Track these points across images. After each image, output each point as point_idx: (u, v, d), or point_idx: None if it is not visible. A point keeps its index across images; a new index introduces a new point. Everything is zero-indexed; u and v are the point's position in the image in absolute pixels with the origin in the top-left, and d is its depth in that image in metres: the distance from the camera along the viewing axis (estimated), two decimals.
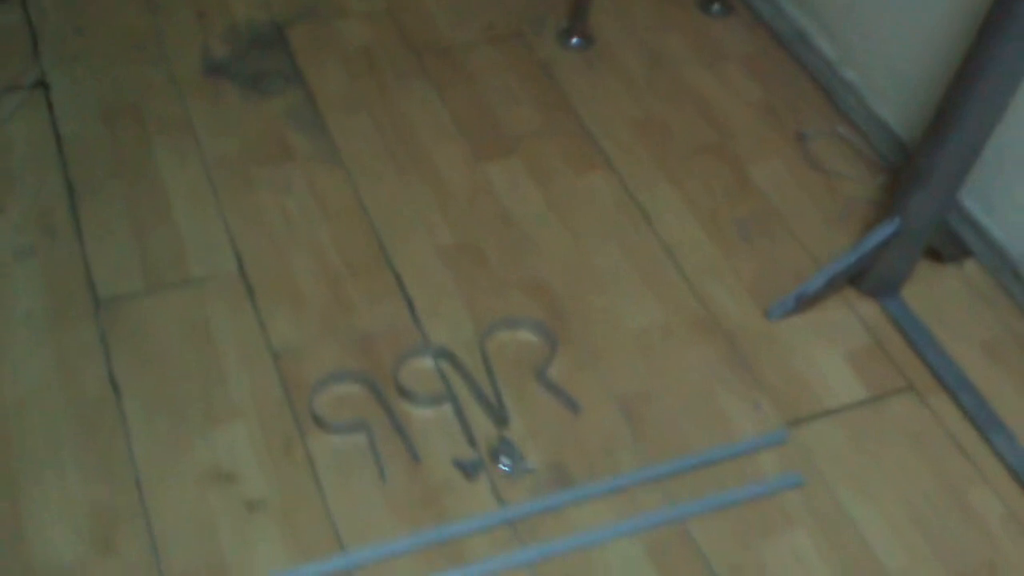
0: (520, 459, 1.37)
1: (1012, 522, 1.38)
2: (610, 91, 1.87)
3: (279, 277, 1.53)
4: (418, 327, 1.50)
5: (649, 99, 1.86)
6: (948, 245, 1.68)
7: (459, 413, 1.40)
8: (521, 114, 1.81)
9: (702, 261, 1.63)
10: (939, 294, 1.63)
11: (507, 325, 1.51)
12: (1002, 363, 1.55)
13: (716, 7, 2.03)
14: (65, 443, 1.33)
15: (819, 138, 1.83)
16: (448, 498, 1.33)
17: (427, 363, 1.46)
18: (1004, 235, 1.65)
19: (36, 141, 1.67)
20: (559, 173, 1.73)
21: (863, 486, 1.40)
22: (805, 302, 1.57)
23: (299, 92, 1.79)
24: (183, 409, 1.38)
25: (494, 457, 1.37)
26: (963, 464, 1.43)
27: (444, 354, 1.46)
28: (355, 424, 1.37)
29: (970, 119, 1.39)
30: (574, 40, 1.93)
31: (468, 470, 1.35)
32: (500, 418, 1.40)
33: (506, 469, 1.36)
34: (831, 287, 1.58)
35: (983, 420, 1.49)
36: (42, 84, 1.75)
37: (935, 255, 1.66)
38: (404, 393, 1.41)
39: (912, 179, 1.50)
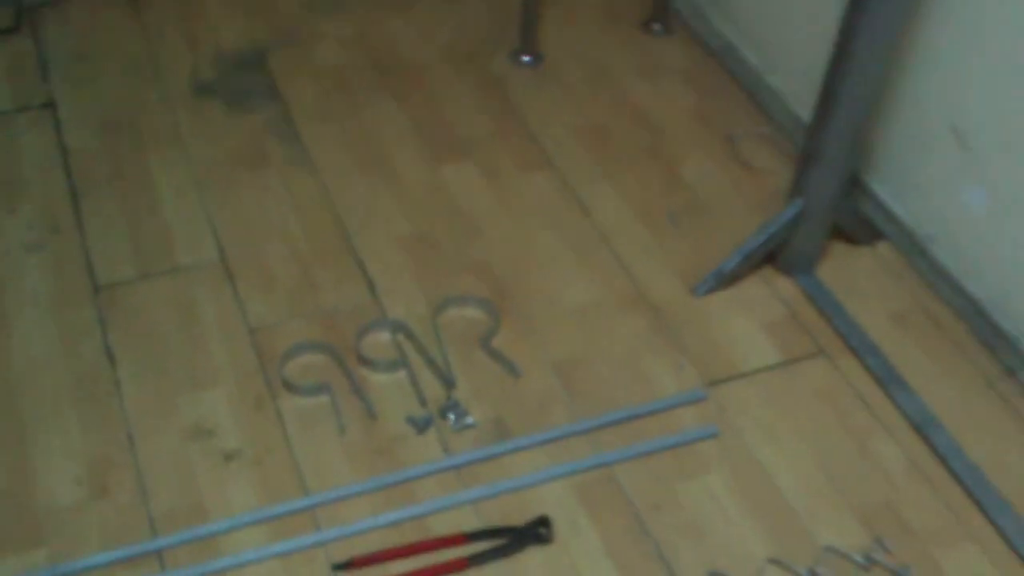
0: (465, 415, 1.54)
1: (910, 466, 1.53)
2: (556, 102, 2.07)
3: (256, 264, 1.73)
4: (377, 305, 1.68)
5: (591, 109, 2.06)
6: (863, 230, 1.85)
7: (412, 378, 1.58)
8: (474, 123, 2.01)
9: (635, 246, 1.81)
10: (852, 272, 1.80)
11: (456, 302, 1.69)
12: (908, 331, 1.72)
13: (657, 27, 2.23)
14: (67, 404, 1.52)
15: (746, 138, 2.02)
16: (401, 449, 1.51)
17: (385, 335, 1.64)
18: (909, 217, 1.81)
19: (44, 152, 1.89)
20: (507, 173, 1.92)
21: (774, 437, 1.56)
22: (724, 279, 1.75)
23: (277, 107, 2.01)
24: (169, 376, 1.57)
25: (442, 414, 1.54)
26: (867, 417, 1.59)
27: (400, 327, 1.65)
28: (319, 387, 1.56)
29: (846, 102, 1.57)
30: (525, 58, 2.14)
31: (419, 425, 1.53)
32: (448, 381, 1.58)
33: (452, 424, 1.54)
34: (747, 265, 1.75)
35: (887, 379, 1.64)
36: (50, 104, 1.98)
37: (852, 240, 1.84)
38: (364, 361, 1.60)
39: (806, 162, 1.67)
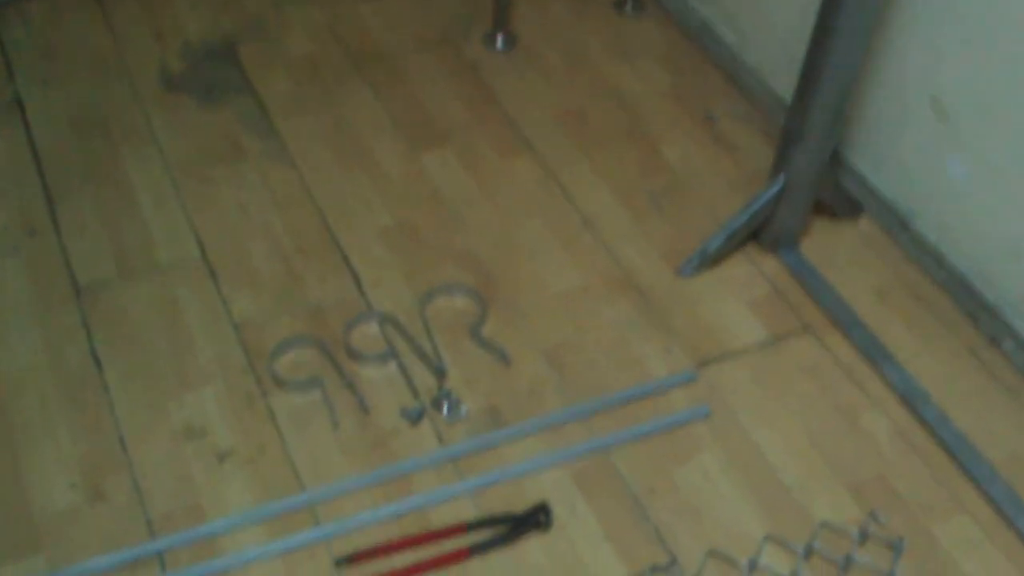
0: (458, 405, 1.58)
1: (900, 439, 1.58)
2: (532, 86, 2.10)
3: (238, 260, 1.75)
4: (364, 297, 1.71)
5: (568, 92, 2.10)
6: (844, 205, 1.90)
7: (403, 369, 1.62)
8: (451, 110, 2.04)
9: (618, 229, 1.85)
10: (835, 248, 1.86)
11: (443, 292, 1.72)
12: (891, 304, 1.77)
13: (629, 7, 2.27)
14: (56, 411, 1.54)
15: (725, 118, 2.06)
16: (395, 442, 1.54)
17: (373, 328, 1.67)
18: (890, 191, 1.86)
19: (15, 153, 1.90)
20: (486, 159, 1.96)
21: (764, 415, 1.61)
22: (708, 259, 1.79)
23: (250, 100, 2.02)
24: (158, 377, 1.59)
25: (435, 405, 1.58)
26: (855, 392, 1.64)
27: (388, 319, 1.68)
28: (310, 382, 1.58)
29: (827, 79, 1.60)
30: (499, 42, 2.17)
31: (412, 417, 1.56)
32: (439, 372, 1.62)
33: (446, 414, 1.57)
34: (731, 244, 1.80)
35: (874, 353, 1.70)
36: (17, 103, 1.98)
37: (833, 215, 1.89)
38: (353, 354, 1.62)
39: (788, 139, 1.71)
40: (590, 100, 2.08)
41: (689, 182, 1.94)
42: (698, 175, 1.95)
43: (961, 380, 1.67)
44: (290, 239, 1.79)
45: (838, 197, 1.89)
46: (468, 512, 1.47)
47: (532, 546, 1.44)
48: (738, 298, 1.76)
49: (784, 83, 2.03)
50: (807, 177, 1.75)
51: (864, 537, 1.48)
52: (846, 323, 1.73)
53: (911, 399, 1.64)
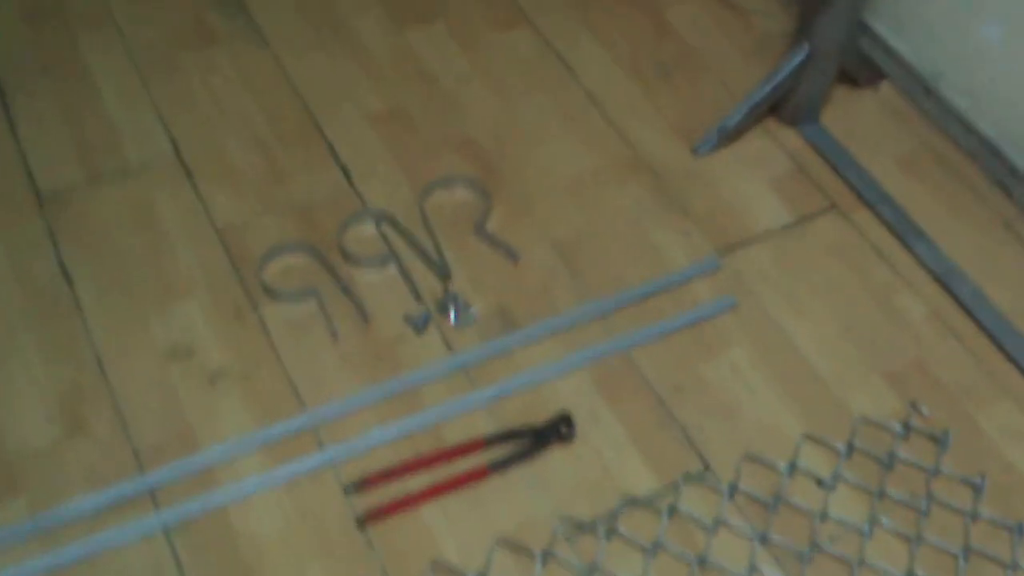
0: (466, 309, 1.37)
1: (936, 321, 1.40)
2: None
3: (215, 157, 1.50)
4: (356, 194, 1.48)
5: None
6: (863, 70, 1.67)
7: (403, 272, 1.40)
8: None
9: (626, 105, 1.61)
10: (856, 117, 1.63)
11: (442, 184, 1.49)
12: (918, 176, 1.56)
13: None
14: (24, 332, 1.31)
15: None
16: (401, 351, 1.33)
17: (368, 228, 1.44)
18: (914, 55, 1.63)
19: None
20: (480, 33, 1.69)
21: (793, 302, 1.41)
22: (727, 135, 1.56)
23: None
24: (136, 290, 1.36)
25: (441, 309, 1.37)
26: (887, 272, 1.45)
27: (384, 217, 1.45)
28: (304, 291, 1.36)
29: None
30: None
31: (417, 324, 1.35)
32: (443, 273, 1.40)
33: (453, 319, 1.37)
34: (751, 118, 1.57)
35: (904, 230, 1.50)
36: None
37: (852, 81, 1.66)
38: (349, 258, 1.40)
39: (812, 5, 1.48)
40: None
41: (699, 49, 1.69)
42: (708, 41, 1.70)
43: (996, 255, 1.47)
44: (270, 130, 1.53)
45: (859, 63, 1.65)
46: (484, 426, 1.27)
47: (555, 459, 1.25)
48: (758, 177, 1.54)
49: None
50: (833, 45, 1.51)
51: (907, 431, 1.30)
52: (873, 199, 1.52)
53: (945, 277, 1.44)
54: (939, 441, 1.30)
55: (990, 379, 1.35)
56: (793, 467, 1.27)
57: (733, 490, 1.26)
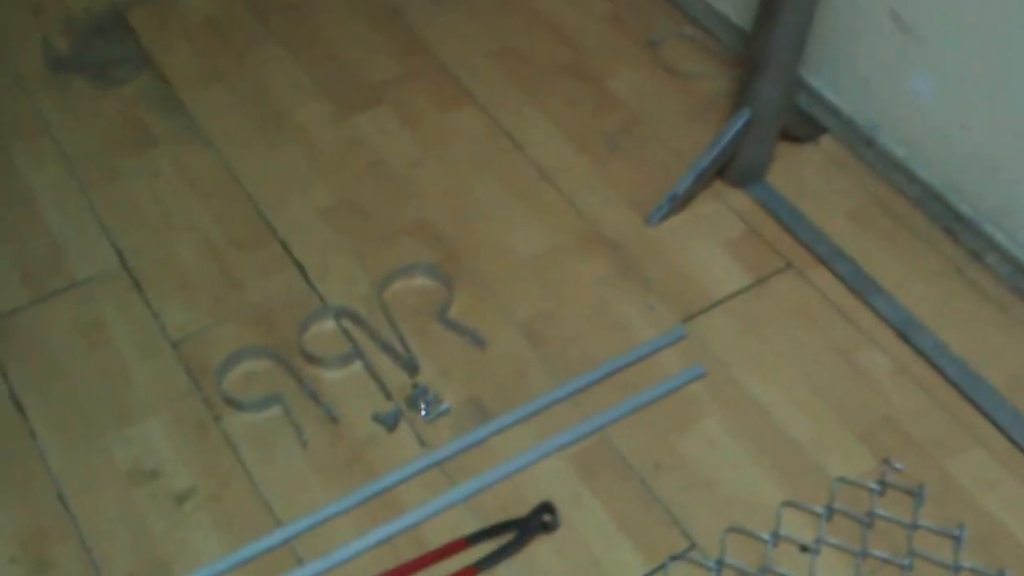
0: (436, 402, 1.32)
1: (901, 374, 1.39)
2: (463, 26, 1.79)
3: (164, 265, 1.44)
4: (314, 291, 1.42)
5: (501, 29, 1.79)
6: (804, 127, 1.67)
7: (370, 369, 1.34)
8: (378, 62, 1.72)
9: (577, 178, 1.59)
10: (802, 173, 1.62)
11: (401, 273, 1.44)
12: (867, 228, 1.56)
13: None
14: None
15: (669, 42, 1.79)
16: (373, 453, 1.28)
17: (329, 325, 1.39)
18: (851, 108, 1.64)
19: None
20: (426, 115, 1.65)
21: (761, 366, 1.39)
22: (678, 202, 1.54)
23: (150, 74, 1.67)
24: (93, 415, 1.28)
25: (411, 405, 1.31)
26: (848, 329, 1.44)
27: (345, 313, 1.39)
28: (268, 399, 1.30)
29: (789, 4, 1.37)
30: None
31: (388, 422, 1.30)
32: (410, 366, 1.35)
33: (424, 414, 1.31)
34: (700, 183, 1.55)
35: (860, 285, 1.49)
36: None
37: (794, 138, 1.65)
38: (312, 359, 1.34)
39: (753, 69, 1.48)
40: (526, 35, 1.78)
41: (643, 117, 1.67)
42: (652, 108, 1.68)
43: (951, 301, 1.47)
44: (220, 233, 1.47)
45: (798, 120, 1.65)
46: (466, 523, 1.22)
47: (542, 551, 1.20)
48: (713, 241, 1.52)
49: (726, 1, 1.77)
50: (773, 106, 1.51)
51: (883, 488, 1.29)
52: (827, 255, 1.51)
53: (905, 330, 1.44)
54: (915, 495, 1.29)
55: (959, 428, 1.34)
56: (776, 536, 1.25)
57: (720, 566, 1.22)
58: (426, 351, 1.37)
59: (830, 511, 1.27)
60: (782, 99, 1.52)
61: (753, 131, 1.53)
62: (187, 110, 1.63)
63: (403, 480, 1.25)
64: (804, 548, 1.24)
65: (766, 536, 1.24)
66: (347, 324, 1.39)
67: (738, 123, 1.52)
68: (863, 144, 1.64)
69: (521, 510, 1.23)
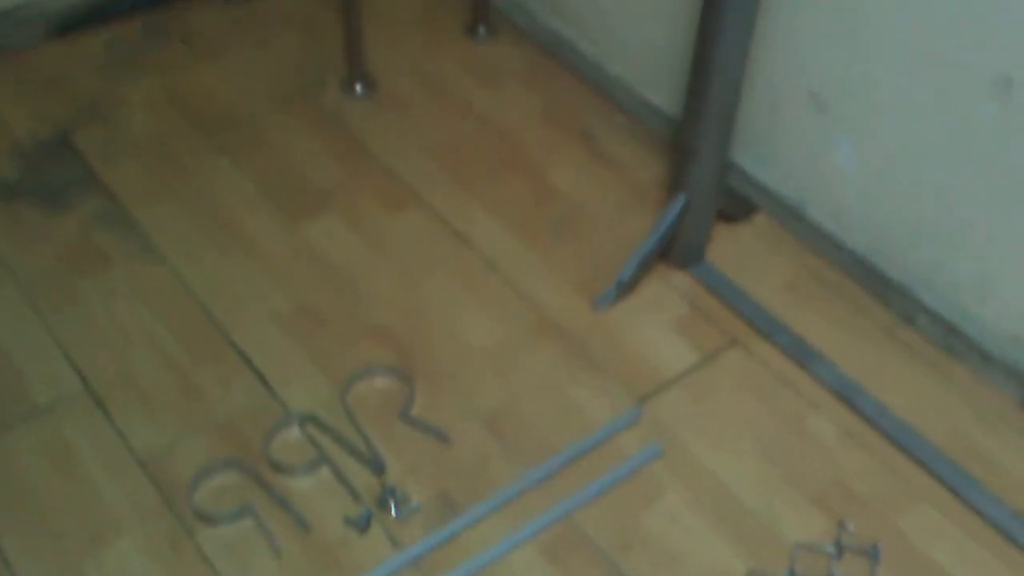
0: (405, 500, 1.37)
1: (846, 438, 1.47)
2: (402, 129, 1.87)
3: (126, 384, 1.47)
4: (276, 399, 1.46)
5: (440, 129, 1.88)
6: (737, 206, 1.78)
7: (337, 473, 1.39)
8: (323, 169, 1.79)
9: (525, 268, 1.66)
10: (739, 251, 1.72)
11: (361, 375, 1.49)
12: (804, 298, 1.65)
13: (481, 30, 2.06)
14: None
15: (602, 133, 1.89)
16: (347, 557, 1.31)
17: (294, 432, 1.43)
18: (779, 185, 1.75)
19: None
20: (373, 217, 1.72)
21: (715, 440, 1.46)
22: (624, 287, 1.62)
23: (100, 195, 1.71)
24: (64, 539, 1.30)
25: (381, 505, 1.36)
26: (794, 397, 1.52)
27: (308, 419, 1.44)
28: (239, 511, 1.33)
29: (714, 91, 1.48)
30: (357, 87, 1.92)
31: (359, 524, 1.34)
32: (377, 467, 1.39)
33: (395, 514, 1.36)
34: (643, 268, 1.64)
35: (801, 355, 1.58)
36: None
37: (729, 218, 1.75)
38: (279, 468, 1.38)
39: (685, 155, 1.58)
40: (464, 133, 1.87)
41: (584, 206, 1.76)
42: (590, 197, 1.77)
43: (887, 364, 1.56)
44: (179, 347, 1.51)
45: (732, 200, 1.76)
46: None
47: None
48: (659, 322, 1.60)
49: (652, 90, 1.88)
50: (707, 190, 1.61)
51: (840, 551, 1.36)
52: (768, 328, 1.60)
53: (847, 394, 1.52)
54: (870, 555, 1.36)
55: (905, 486, 1.42)
56: None
57: None
58: (391, 450, 1.42)
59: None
60: (715, 182, 1.62)
61: (690, 214, 1.63)
62: (139, 227, 1.67)
63: None
64: None
65: None
66: (311, 430, 1.43)
67: (675, 208, 1.62)
68: (793, 219, 1.75)
69: None
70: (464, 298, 1.62)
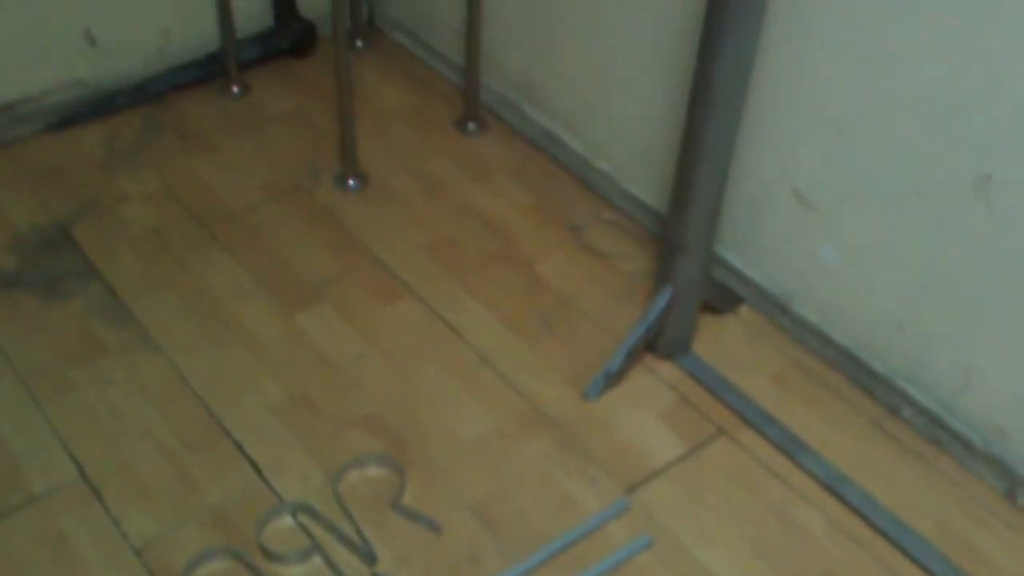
0: None
1: (834, 529, 1.53)
2: (395, 223, 1.97)
3: (121, 473, 1.52)
4: (269, 488, 1.52)
5: (432, 223, 1.98)
6: (723, 298, 1.86)
7: (329, 562, 1.44)
8: (317, 262, 1.88)
9: (516, 360, 1.74)
10: (725, 343, 1.80)
11: (354, 465, 1.56)
12: (790, 390, 1.73)
13: (471, 126, 2.18)
14: None
15: (589, 226, 2.00)
16: None
17: (287, 521, 1.49)
18: (764, 278, 1.83)
19: None
20: (366, 309, 1.80)
21: (703, 532, 1.52)
22: (612, 378, 1.70)
23: (97, 286, 1.79)
24: None
25: None
26: (781, 489, 1.58)
27: (301, 508, 1.50)
28: None
29: (700, 188, 1.57)
30: (350, 182, 2.03)
31: None
32: (368, 557, 1.45)
33: None
34: (631, 359, 1.72)
35: (788, 446, 1.65)
36: None
37: (714, 310, 1.84)
38: (272, 557, 1.43)
39: (671, 250, 1.67)
40: (455, 227, 1.97)
41: (572, 298, 1.85)
42: (579, 289, 1.86)
43: (873, 456, 1.63)
44: (175, 437, 1.57)
45: (717, 292, 1.85)
46: None
47: None
48: (648, 412, 1.68)
49: (638, 184, 1.99)
50: (693, 283, 1.70)
51: None
52: (755, 419, 1.68)
53: (834, 486, 1.59)
54: None
55: None
56: None
57: None
58: (383, 540, 1.47)
59: None
60: (701, 275, 1.71)
61: (676, 307, 1.71)
62: (135, 318, 1.75)
63: None
64: None
65: None
66: (304, 519, 1.49)
67: (662, 301, 1.70)
68: (778, 311, 1.83)
69: None
70: (455, 389, 1.69)
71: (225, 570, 1.42)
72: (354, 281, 1.85)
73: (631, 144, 1.98)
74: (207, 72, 2.25)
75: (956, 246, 1.53)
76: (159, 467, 1.54)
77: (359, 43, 2.41)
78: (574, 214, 2.02)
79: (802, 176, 1.68)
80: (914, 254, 1.59)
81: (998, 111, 1.40)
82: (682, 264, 1.67)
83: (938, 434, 1.65)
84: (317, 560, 1.45)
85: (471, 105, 2.18)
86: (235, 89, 2.25)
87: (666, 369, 1.75)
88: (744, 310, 1.86)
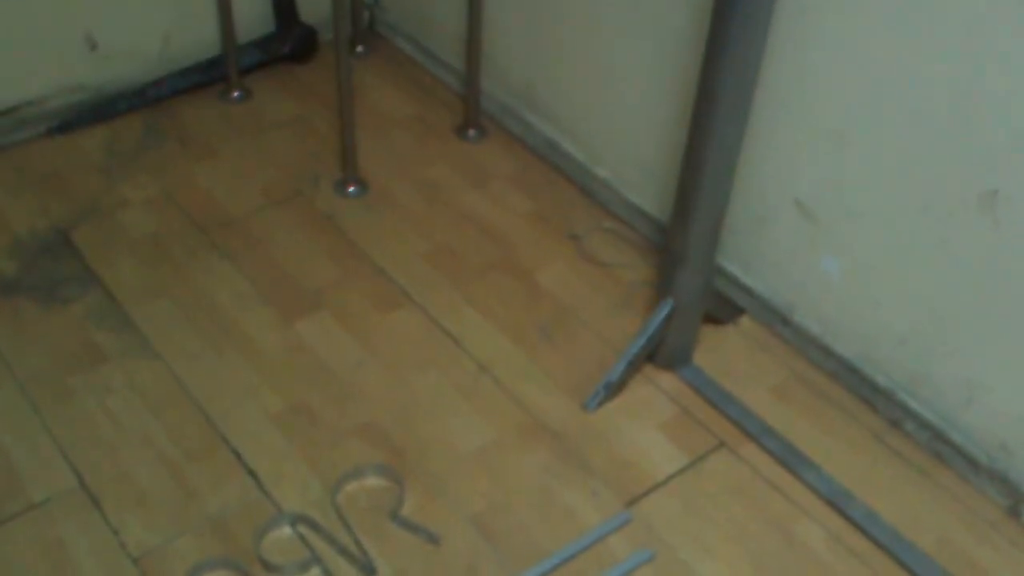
0: None
1: (835, 544, 1.54)
2: (394, 230, 1.99)
3: (121, 481, 1.54)
4: (268, 498, 1.54)
5: (431, 230, 2.00)
6: (724, 309, 1.88)
7: (328, 573, 1.45)
8: (316, 269, 1.90)
9: (515, 370, 1.75)
10: (726, 354, 1.82)
11: (353, 475, 1.57)
12: (791, 402, 1.74)
13: (471, 133, 2.20)
14: None
15: (589, 235, 2.01)
16: None
17: (286, 531, 1.50)
18: (766, 290, 1.85)
19: None
20: (365, 317, 1.82)
21: (704, 545, 1.53)
22: (612, 389, 1.72)
23: (97, 292, 1.81)
24: None
25: None
26: (782, 502, 1.59)
27: (300, 519, 1.51)
28: None
29: (703, 199, 1.59)
30: (350, 189, 2.05)
31: None
32: (367, 569, 1.46)
33: None
34: (632, 369, 1.73)
35: (789, 459, 1.66)
36: None
37: (716, 320, 1.86)
38: (270, 568, 1.45)
39: (673, 260, 1.68)
40: (454, 234, 1.99)
41: (572, 307, 1.86)
42: (579, 299, 1.88)
43: (875, 470, 1.65)
44: (174, 446, 1.59)
45: (719, 303, 1.86)
46: None
47: None
48: (648, 423, 1.69)
49: (639, 193, 2.01)
50: (695, 294, 1.71)
51: None
52: (756, 431, 1.69)
53: (836, 500, 1.60)
54: None
55: None
56: None
57: None
58: (382, 551, 1.49)
59: None
60: (702, 286, 1.72)
61: (677, 317, 1.73)
62: (135, 324, 1.76)
63: None
64: None
65: None
66: (303, 529, 1.50)
67: (663, 311, 1.72)
68: (780, 323, 1.85)
69: None
70: (455, 398, 1.70)
71: None
72: (353, 289, 1.87)
73: (632, 152, 1.99)
74: (208, 77, 2.27)
75: (961, 260, 1.54)
76: (158, 475, 1.55)
77: (360, 49, 2.43)
78: (574, 222, 2.04)
79: (805, 188, 1.70)
80: (918, 268, 1.60)
81: (1005, 126, 1.41)
82: (684, 275, 1.69)
83: (940, 448, 1.66)
84: (316, 572, 1.45)
85: (472, 112, 2.19)
86: (236, 94, 2.27)
87: (667, 380, 1.76)
88: (745, 321, 1.87)
